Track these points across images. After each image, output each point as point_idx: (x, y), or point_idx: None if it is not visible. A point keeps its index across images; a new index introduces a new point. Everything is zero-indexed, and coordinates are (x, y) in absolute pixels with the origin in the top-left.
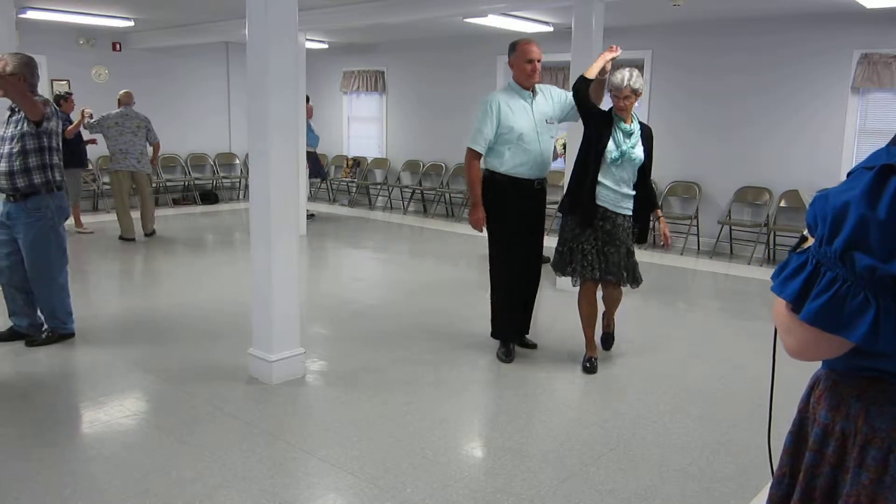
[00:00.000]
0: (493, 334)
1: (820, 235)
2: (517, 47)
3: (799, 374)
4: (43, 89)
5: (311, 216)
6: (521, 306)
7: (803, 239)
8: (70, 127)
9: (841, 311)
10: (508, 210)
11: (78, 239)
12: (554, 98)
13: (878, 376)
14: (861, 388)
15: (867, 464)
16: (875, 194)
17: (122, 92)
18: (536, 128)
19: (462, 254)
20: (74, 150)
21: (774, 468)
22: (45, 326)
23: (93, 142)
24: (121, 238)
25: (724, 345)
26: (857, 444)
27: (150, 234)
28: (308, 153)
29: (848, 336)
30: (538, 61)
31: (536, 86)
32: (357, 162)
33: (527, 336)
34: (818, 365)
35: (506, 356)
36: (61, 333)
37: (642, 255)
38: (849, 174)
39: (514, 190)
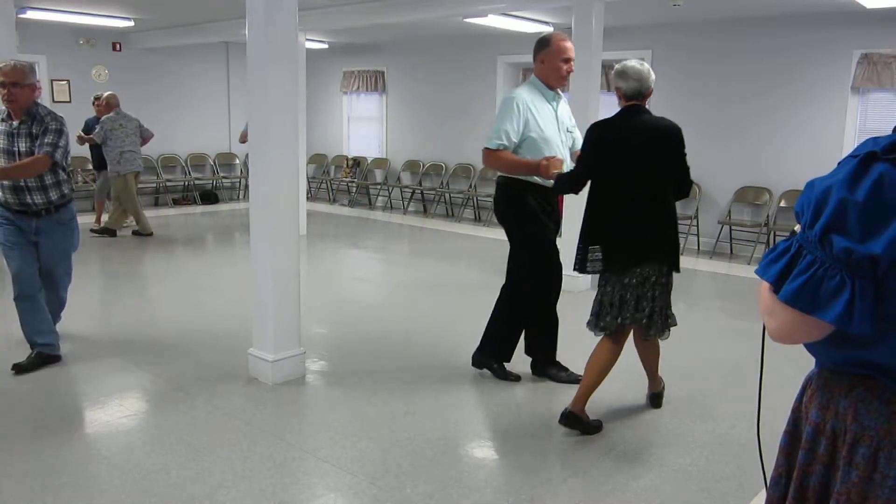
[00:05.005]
0: (506, 358)
1: (804, 221)
2: (552, 43)
3: (796, 374)
4: (43, 89)
5: None
6: (550, 321)
7: (793, 234)
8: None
9: (817, 292)
10: (537, 218)
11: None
12: (569, 113)
13: (867, 374)
14: (850, 387)
15: (857, 461)
16: (856, 179)
17: (109, 94)
18: (560, 134)
19: (462, 254)
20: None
21: (766, 468)
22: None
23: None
24: (137, 234)
25: (723, 344)
26: (847, 442)
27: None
28: None
29: (823, 316)
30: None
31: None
32: (357, 162)
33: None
34: (813, 364)
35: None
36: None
37: None
38: (839, 164)
39: (539, 198)
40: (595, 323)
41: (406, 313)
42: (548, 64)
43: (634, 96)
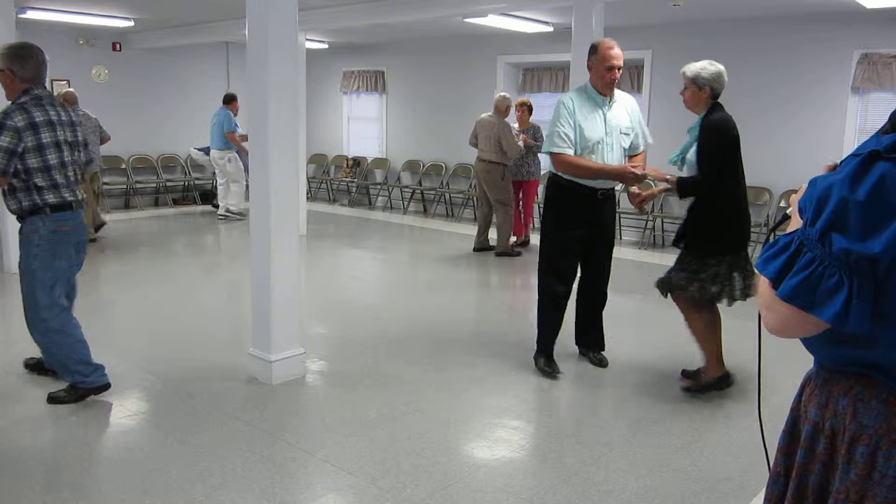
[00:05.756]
0: (544, 351)
1: (806, 218)
2: (598, 50)
3: (796, 374)
4: None
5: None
6: (592, 319)
7: (785, 217)
8: None
9: (816, 290)
10: (568, 217)
11: None
12: (630, 112)
13: (866, 373)
14: (849, 386)
15: (855, 460)
16: (858, 178)
17: (66, 91)
18: (606, 137)
19: (462, 254)
20: None
21: (769, 452)
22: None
23: None
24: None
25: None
26: (846, 441)
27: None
28: None
29: (819, 314)
30: (619, 69)
31: (617, 94)
32: (357, 162)
33: (602, 353)
34: (812, 363)
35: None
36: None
37: (641, 255)
38: (841, 162)
39: (576, 197)
40: (669, 289)
41: (406, 313)
42: (594, 71)
43: (719, 96)
